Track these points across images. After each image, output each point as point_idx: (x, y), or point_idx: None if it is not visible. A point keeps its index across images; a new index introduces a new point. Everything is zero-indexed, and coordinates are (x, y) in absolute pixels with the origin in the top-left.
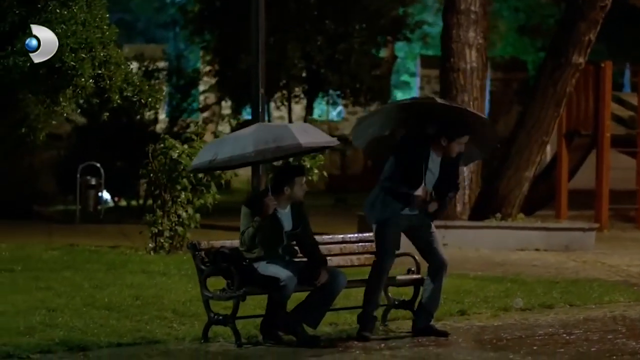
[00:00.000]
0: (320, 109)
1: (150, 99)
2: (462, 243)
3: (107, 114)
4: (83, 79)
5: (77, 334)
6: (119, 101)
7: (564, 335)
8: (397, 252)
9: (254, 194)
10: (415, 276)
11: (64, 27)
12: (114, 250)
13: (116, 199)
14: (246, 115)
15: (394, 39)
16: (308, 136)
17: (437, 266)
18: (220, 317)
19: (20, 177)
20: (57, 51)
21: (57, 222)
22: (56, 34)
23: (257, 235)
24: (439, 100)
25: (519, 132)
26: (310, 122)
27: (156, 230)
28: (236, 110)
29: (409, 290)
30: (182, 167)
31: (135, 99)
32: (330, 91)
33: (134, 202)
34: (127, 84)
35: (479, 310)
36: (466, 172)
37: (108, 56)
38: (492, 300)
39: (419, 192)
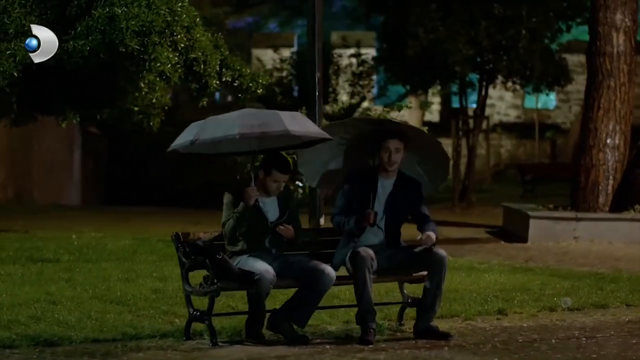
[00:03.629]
0: (530, 97)
1: (251, 84)
2: (596, 236)
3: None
4: (159, 64)
5: (60, 329)
6: (216, 85)
7: (583, 339)
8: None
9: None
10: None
11: (125, 9)
12: None
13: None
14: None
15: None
16: (298, 124)
17: (431, 263)
18: (198, 314)
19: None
20: (118, 34)
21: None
22: (116, 16)
23: (238, 227)
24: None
25: None
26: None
27: None
28: (424, 98)
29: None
30: None
31: (236, 84)
32: (500, 77)
33: None
34: (226, 68)
35: (522, 309)
36: (611, 161)
37: (192, 40)
38: (545, 298)
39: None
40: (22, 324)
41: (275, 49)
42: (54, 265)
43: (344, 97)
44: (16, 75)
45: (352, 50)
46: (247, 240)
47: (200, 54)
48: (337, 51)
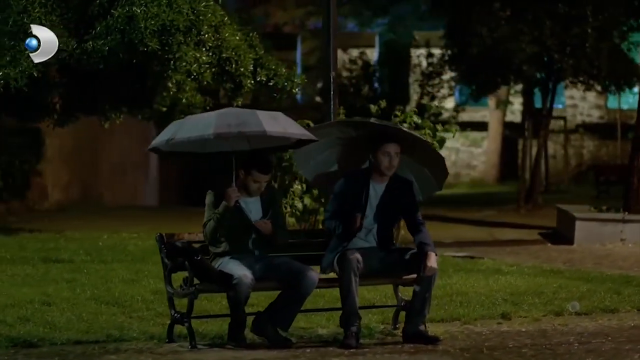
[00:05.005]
0: (613, 98)
1: (286, 83)
2: None
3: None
4: (185, 63)
5: (46, 330)
6: (250, 85)
7: (576, 344)
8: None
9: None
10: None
11: (145, 9)
12: None
13: None
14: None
15: None
16: (277, 125)
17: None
18: (178, 316)
19: None
20: (137, 34)
21: None
22: (135, 15)
23: (219, 228)
24: (372, 120)
25: None
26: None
27: None
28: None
29: None
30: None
31: (271, 84)
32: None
33: None
34: (261, 67)
35: (527, 313)
36: None
37: (221, 39)
38: (556, 302)
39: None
40: (8, 325)
41: (345, 49)
42: (64, 265)
43: (414, 97)
44: (35, 75)
45: (429, 50)
46: (229, 241)
47: (233, 53)
48: (417, 51)
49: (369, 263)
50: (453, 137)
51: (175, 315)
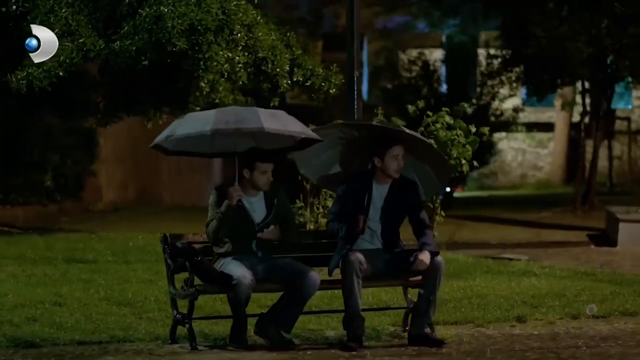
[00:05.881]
0: None
1: (324, 84)
2: None
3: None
4: (216, 63)
5: (52, 330)
6: (286, 85)
7: (584, 348)
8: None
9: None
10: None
11: (172, 8)
12: None
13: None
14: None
15: None
16: (276, 122)
17: (426, 270)
18: (180, 317)
19: None
20: (165, 33)
21: None
22: (163, 15)
23: (221, 228)
24: (374, 122)
25: None
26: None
27: None
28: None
29: None
30: None
31: (308, 84)
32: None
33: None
34: (298, 67)
35: (543, 316)
36: None
37: (254, 39)
38: (576, 304)
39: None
40: (15, 325)
41: (404, 50)
42: (85, 266)
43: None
44: (61, 74)
45: (488, 51)
46: (232, 241)
47: (269, 53)
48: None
49: (373, 265)
50: (485, 137)
51: (177, 316)
